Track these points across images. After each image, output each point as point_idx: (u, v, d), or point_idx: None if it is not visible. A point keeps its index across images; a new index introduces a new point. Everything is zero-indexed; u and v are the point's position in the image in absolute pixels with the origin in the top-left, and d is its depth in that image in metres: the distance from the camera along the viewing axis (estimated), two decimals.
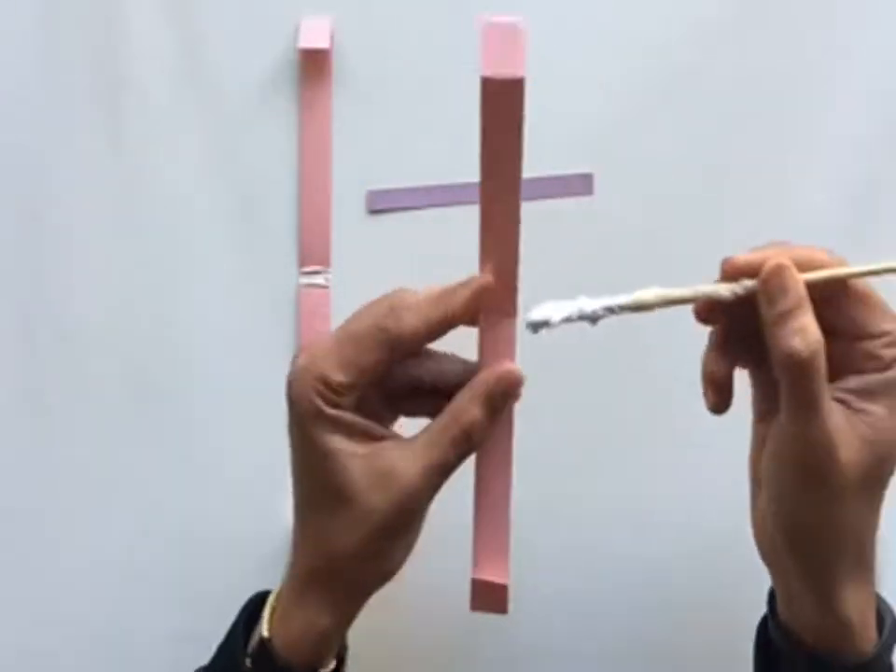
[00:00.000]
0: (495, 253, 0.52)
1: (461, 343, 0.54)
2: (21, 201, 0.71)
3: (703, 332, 0.55)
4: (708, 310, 0.53)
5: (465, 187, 0.69)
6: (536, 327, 0.51)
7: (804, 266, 0.51)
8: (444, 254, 0.67)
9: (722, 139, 0.71)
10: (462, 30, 0.69)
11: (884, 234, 0.71)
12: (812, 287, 0.51)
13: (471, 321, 0.53)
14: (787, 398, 0.51)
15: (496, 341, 0.53)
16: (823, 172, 0.71)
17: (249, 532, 0.70)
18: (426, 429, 0.53)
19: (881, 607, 0.55)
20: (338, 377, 0.52)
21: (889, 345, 0.52)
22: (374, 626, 0.58)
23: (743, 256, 0.52)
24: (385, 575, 0.55)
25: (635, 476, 0.71)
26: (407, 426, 0.56)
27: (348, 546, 0.53)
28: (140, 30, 0.70)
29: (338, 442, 0.52)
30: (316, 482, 0.53)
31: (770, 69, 0.71)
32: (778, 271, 0.51)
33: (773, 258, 0.51)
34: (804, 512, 0.52)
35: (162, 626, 0.71)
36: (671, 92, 0.71)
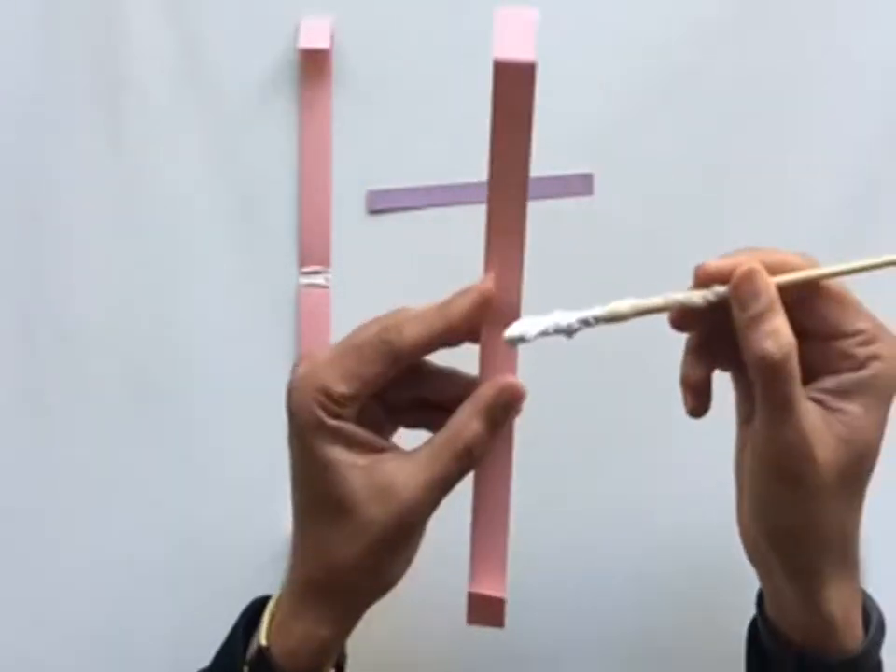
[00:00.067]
0: (499, 261, 0.52)
1: (462, 360, 0.54)
2: (21, 201, 0.71)
3: None
4: (682, 317, 0.53)
5: (465, 187, 0.70)
6: (512, 342, 0.51)
7: (775, 269, 0.51)
8: (444, 254, 0.68)
9: (722, 139, 0.71)
10: (462, 30, 0.69)
11: (884, 234, 0.71)
12: (785, 290, 0.51)
13: (473, 331, 0.53)
14: (762, 400, 0.51)
15: (496, 354, 0.53)
16: (823, 172, 0.71)
17: (249, 531, 0.70)
18: (427, 443, 0.53)
19: (867, 604, 0.55)
20: (339, 388, 0.52)
21: (863, 344, 0.52)
22: (372, 637, 0.58)
23: (714, 262, 0.52)
24: (383, 587, 0.55)
25: (634, 476, 0.71)
26: (405, 437, 0.56)
27: (347, 557, 0.52)
28: (140, 30, 0.71)
29: (338, 453, 0.52)
30: (316, 492, 0.53)
31: (770, 69, 0.71)
32: (749, 275, 0.51)
33: (744, 262, 0.51)
34: (784, 513, 0.52)
35: (162, 627, 0.71)
36: (671, 92, 0.71)
